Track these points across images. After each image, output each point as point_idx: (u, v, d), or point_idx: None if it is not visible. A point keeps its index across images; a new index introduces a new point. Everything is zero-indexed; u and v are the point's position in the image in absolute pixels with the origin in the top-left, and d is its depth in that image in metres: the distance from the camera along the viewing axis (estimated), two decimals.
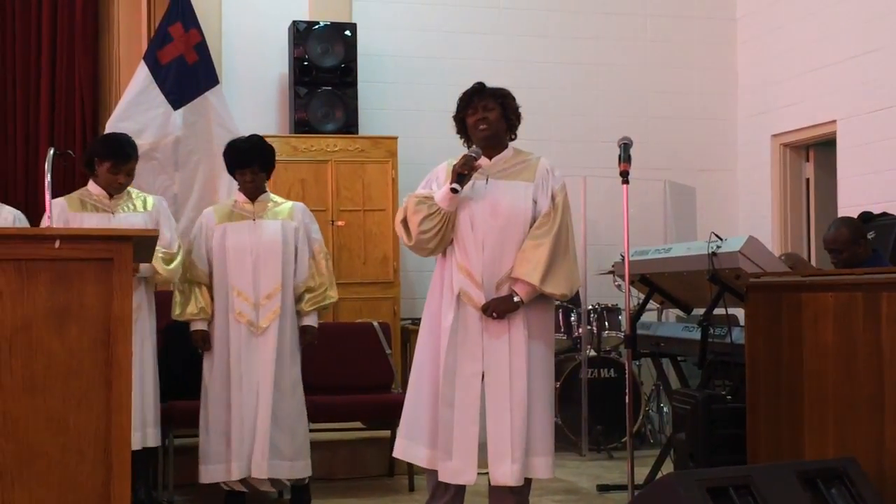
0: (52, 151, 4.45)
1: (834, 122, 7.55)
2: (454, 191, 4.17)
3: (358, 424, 6.26)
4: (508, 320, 4.22)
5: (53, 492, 3.17)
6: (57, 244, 3.26)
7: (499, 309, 4.19)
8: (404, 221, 4.31)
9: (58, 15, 7.60)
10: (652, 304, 6.10)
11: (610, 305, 7.34)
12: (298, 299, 5.39)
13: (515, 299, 4.20)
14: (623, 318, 6.63)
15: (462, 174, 4.16)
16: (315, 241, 5.45)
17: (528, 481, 4.31)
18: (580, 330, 7.21)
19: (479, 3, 8.12)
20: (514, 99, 4.45)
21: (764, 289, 4.60)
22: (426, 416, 4.30)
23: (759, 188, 8.37)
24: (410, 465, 5.39)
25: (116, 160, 5.25)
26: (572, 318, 7.32)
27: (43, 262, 3.22)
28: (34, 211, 5.78)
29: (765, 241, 5.84)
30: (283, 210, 5.45)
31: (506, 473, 4.16)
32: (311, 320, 5.44)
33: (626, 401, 5.43)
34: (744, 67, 8.62)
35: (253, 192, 5.39)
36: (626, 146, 5.23)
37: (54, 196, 4.86)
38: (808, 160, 8.27)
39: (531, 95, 7.91)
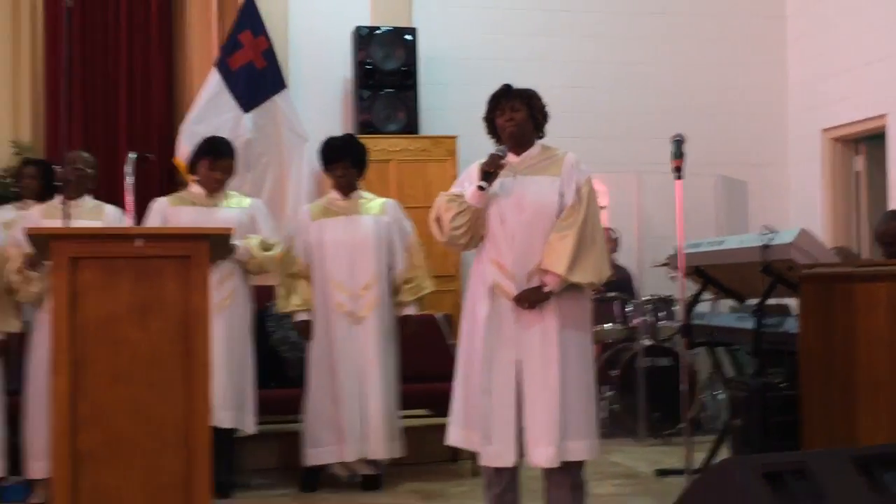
0: (132, 155, 4.54)
1: (884, 115, 7.46)
2: (481, 188, 4.20)
3: (423, 412, 6.30)
4: (541, 310, 4.23)
5: (139, 475, 3.26)
6: (139, 243, 3.34)
7: (530, 299, 4.20)
8: (437, 219, 4.35)
9: (133, 26, 7.72)
10: (706, 295, 6.07)
11: (665, 297, 7.31)
12: (396, 291, 5.49)
13: (545, 289, 4.20)
14: (678, 309, 6.62)
15: (489, 172, 4.20)
16: (408, 235, 5.52)
17: (579, 464, 4.33)
18: (636, 320, 7.19)
19: (533, 6, 8.12)
20: (540, 99, 4.44)
21: (816, 279, 4.55)
22: (470, 404, 4.35)
23: (810, 182, 8.30)
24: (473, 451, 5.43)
25: (213, 157, 5.46)
26: (628, 309, 7.31)
27: (126, 260, 3.31)
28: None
29: (817, 234, 5.80)
30: (375, 206, 5.54)
31: (541, 456, 4.17)
32: (411, 310, 5.56)
33: (682, 388, 5.45)
34: (793, 63, 8.55)
35: (345, 187, 5.51)
36: (678, 143, 5.24)
37: (137, 196, 5.01)
38: (858, 154, 8.17)
39: (585, 95, 8.02)
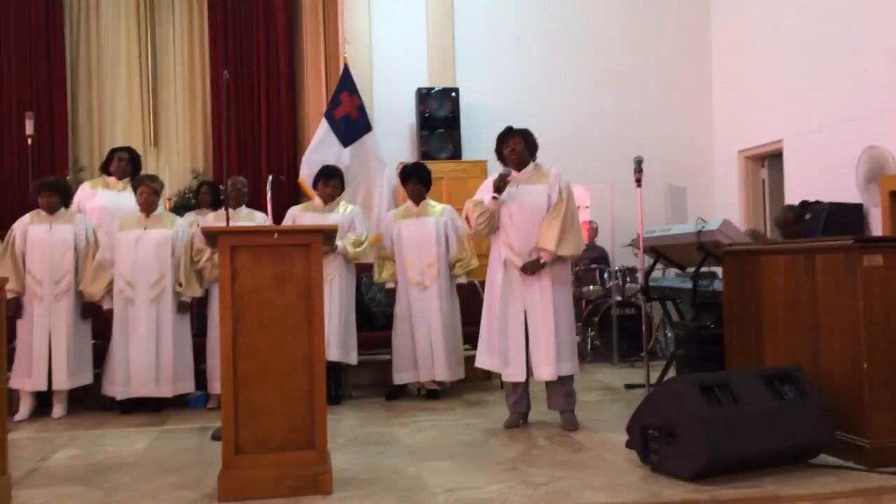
0: (270, 178, 4.58)
1: (780, 140, 7.32)
2: (495, 198, 4.38)
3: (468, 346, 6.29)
4: (539, 275, 4.36)
5: (278, 391, 3.28)
6: (275, 236, 3.37)
7: (531, 268, 4.35)
8: (466, 218, 4.53)
9: (269, 89, 7.78)
10: (658, 266, 6.02)
11: (630, 267, 7.24)
12: (452, 267, 5.50)
13: (541, 261, 4.34)
14: (639, 275, 6.55)
15: (500, 187, 4.36)
16: (459, 228, 5.52)
17: (570, 377, 4.42)
18: (610, 283, 7.14)
19: (540, 71, 8.05)
20: (532, 134, 4.56)
21: (735, 254, 4.50)
22: (493, 339, 4.46)
23: (730, 187, 8.14)
24: None
25: (326, 177, 5.52)
26: (605, 275, 7.25)
27: (267, 247, 3.33)
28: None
29: (735, 223, 5.74)
30: (437, 210, 5.56)
31: (544, 373, 4.33)
32: (463, 280, 5.58)
33: (643, 329, 5.48)
34: (717, 104, 8.37)
35: (416, 197, 5.52)
36: (639, 162, 5.27)
37: (274, 205, 5.08)
38: (763, 167, 8.01)
39: (576, 128, 7.93)
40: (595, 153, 7.87)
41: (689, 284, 5.27)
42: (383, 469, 3.62)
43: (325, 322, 3.41)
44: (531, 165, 4.49)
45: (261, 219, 5.47)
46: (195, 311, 5.45)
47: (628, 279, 7.20)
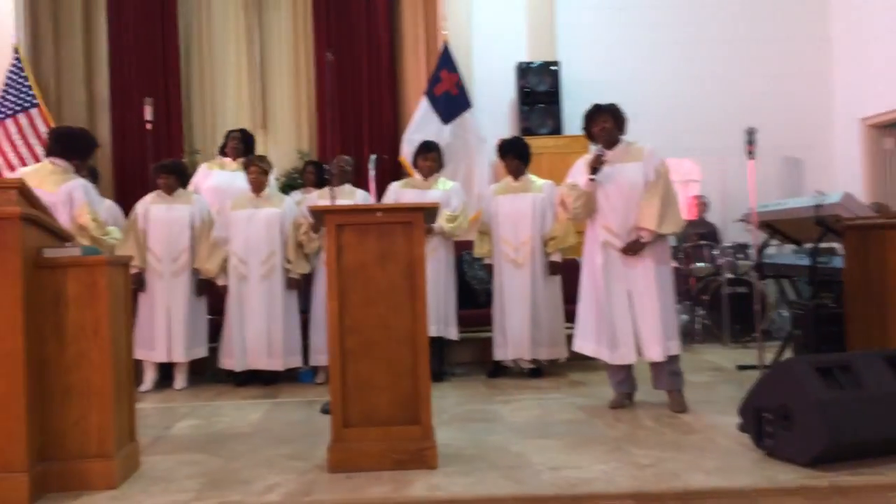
0: (373, 157, 4.66)
1: None
2: (592, 180, 4.27)
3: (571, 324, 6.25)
4: (640, 255, 4.26)
5: (382, 365, 3.35)
6: (379, 214, 3.43)
7: (632, 248, 4.26)
8: (562, 203, 4.44)
9: (370, 70, 7.88)
10: (773, 242, 5.77)
11: (742, 243, 6.98)
12: (546, 244, 5.42)
13: (642, 241, 4.25)
14: (752, 251, 6.34)
15: (595, 168, 4.25)
16: (557, 206, 5.48)
17: (676, 356, 4.32)
18: (721, 260, 6.91)
19: (638, 41, 7.81)
20: (620, 110, 4.42)
21: (857, 228, 4.26)
22: (592, 323, 4.37)
23: (852, 158, 7.69)
24: None
25: (425, 151, 5.54)
26: (714, 252, 7.02)
27: (372, 226, 3.38)
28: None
29: (857, 196, 5.41)
30: (537, 186, 5.50)
31: (654, 353, 4.24)
32: (557, 258, 5.47)
33: (756, 308, 5.31)
34: (837, 70, 7.89)
35: (515, 172, 5.49)
36: (750, 133, 5.06)
37: (377, 182, 5.15)
38: (888, 136, 7.52)
39: (682, 100, 7.67)
40: (704, 125, 7.60)
41: (806, 261, 5.02)
42: (487, 446, 3.65)
43: (426, 299, 3.44)
44: (622, 143, 4.38)
45: (361, 196, 5.56)
46: (300, 288, 5.63)
47: (740, 256, 6.94)
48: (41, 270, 3.13)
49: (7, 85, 6.88)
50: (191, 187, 5.89)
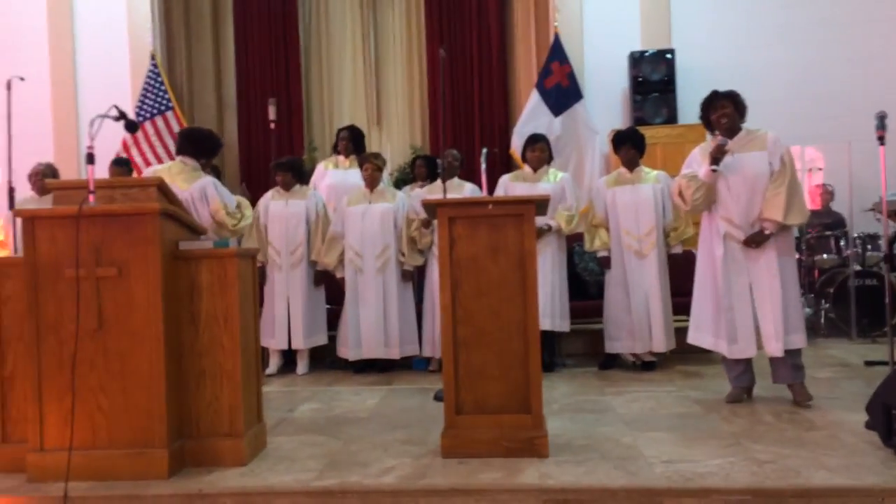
0: (484, 150, 4.69)
1: None
2: (714, 170, 4.10)
3: (684, 317, 6.09)
4: (763, 246, 4.09)
5: (495, 355, 3.38)
6: (490, 207, 3.46)
7: (756, 240, 4.09)
8: (680, 194, 4.27)
9: (482, 64, 7.95)
10: None
11: (871, 234, 6.58)
12: (667, 235, 5.34)
13: (766, 232, 4.07)
14: (882, 242, 5.97)
15: (718, 158, 4.08)
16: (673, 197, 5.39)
17: (798, 350, 4.14)
18: (848, 251, 6.54)
19: (756, 26, 7.48)
20: (740, 96, 4.23)
21: None
22: (709, 316, 4.24)
23: None
24: None
25: (531, 143, 5.54)
26: (842, 243, 6.66)
27: (483, 218, 3.41)
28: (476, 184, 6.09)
29: None
30: (651, 177, 5.40)
31: (773, 348, 4.08)
32: (678, 249, 5.39)
33: (887, 301, 5.01)
34: None
35: (630, 163, 5.41)
36: (881, 117, 4.76)
37: (489, 178, 5.17)
38: None
39: (803, 86, 7.29)
40: (829, 110, 7.20)
41: None
42: (598, 437, 3.63)
43: (537, 291, 3.45)
44: (743, 131, 4.20)
45: (469, 189, 5.61)
46: (413, 280, 5.75)
47: (869, 247, 6.55)
48: (177, 261, 3.35)
49: (145, 90, 7.36)
50: (311, 186, 6.14)
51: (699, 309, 4.33)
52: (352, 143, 6.34)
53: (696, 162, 4.24)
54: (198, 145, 4.70)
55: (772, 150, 4.10)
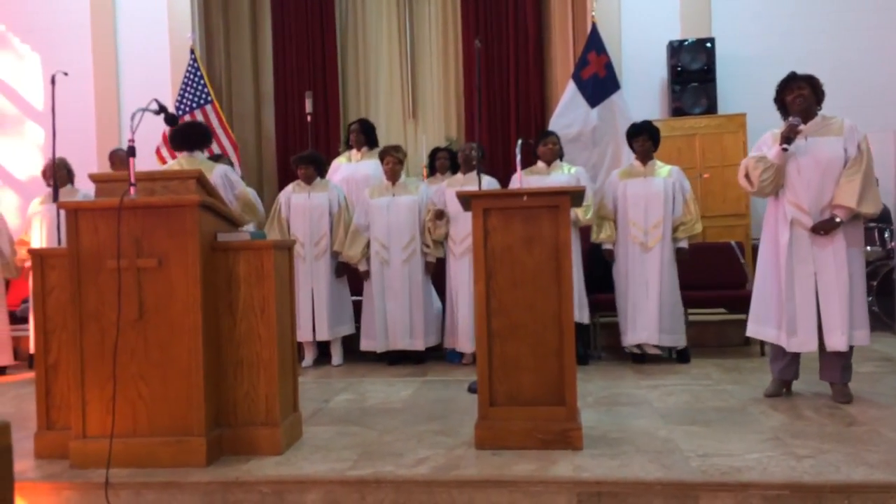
0: (520, 141, 4.68)
1: None
2: (785, 150, 3.96)
3: (722, 310, 6.03)
4: (831, 235, 3.94)
5: (529, 346, 3.37)
6: (524, 198, 3.44)
7: (825, 227, 3.94)
8: (746, 176, 4.13)
9: (518, 55, 7.91)
10: None
11: None
12: (675, 230, 5.27)
13: (837, 220, 3.92)
14: None
15: (790, 137, 3.95)
16: (686, 191, 5.32)
17: (851, 348, 3.99)
18: (892, 243, 6.38)
19: (799, 15, 7.32)
20: (818, 81, 4.10)
21: None
22: (773, 307, 4.09)
23: None
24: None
25: (542, 138, 5.56)
26: (886, 235, 6.50)
27: (517, 210, 3.40)
28: (507, 176, 6.07)
29: None
30: (664, 171, 5.35)
31: (837, 342, 3.93)
32: (684, 244, 5.31)
33: None
34: None
35: (644, 156, 5.36)
36: None
37: (525, 167, 5.16)
38: None
39: (844, 75, 7.10)
40: (874, 99, 7.03)
41: None
42: (633, 430, 3.60)
43: (572, 283, 3.43)
44: (818, 116, 4.08)
45: (487, 182, 5.56)
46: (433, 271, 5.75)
47: None
48: (216, 253, 3.40)
49: (185, 83, 7.46)
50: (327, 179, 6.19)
51: (760, 299, 4.18)
52: (363, 135, 6.41)
53: (766, 145, 4.12)
54: (192, 138, 4.88)
55: (848, 137, 3.98)
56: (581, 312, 5.39)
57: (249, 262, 3.41)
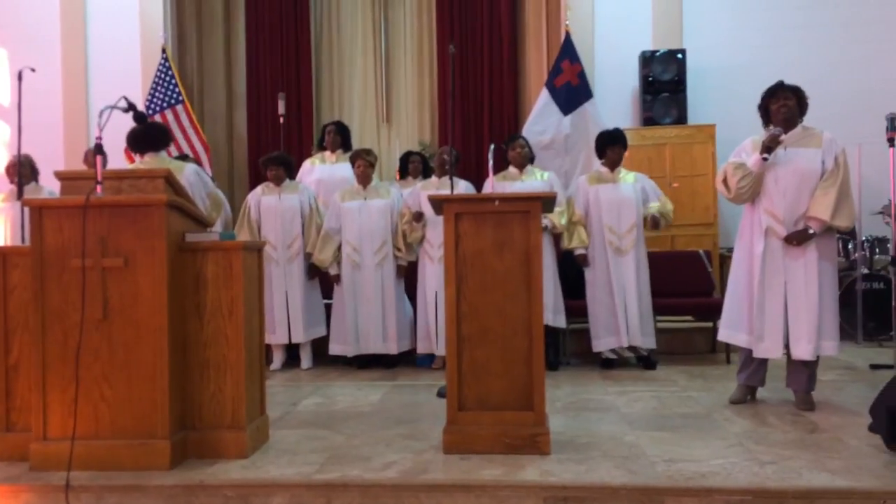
0: (492, 146, 4.69)
1: None
2: (765, 159, 4.01)
3: (689, 318, 6.09)
4: (804, 247, 4.00)
5: (498, 351, 3.36)
6: (496, 203, 3.45)
7: (798, 238, 3.99)
8: (724, 181, 4.17)
9: (492, 62, 7.94)
10: None
11: (879, 237, 6.55)
12: (656, 224, 5.35)
13: (811, 231, 3.98)
14: (890, 246, 5.93)
15: (770, 147, 4.00)
16: (656, 188, 5.49)
17: (817, 358, 4.06)
18: (856, 254, 6.50)
19: (767, 28, 7.44)
20: (804, 92, 4.16)
21: None
22: (744, 313, 4.15)
23: None
24: (727, 345, 5.18)
25: (511, 142, 5.58)
26: (850, 246, 6.62)
27: (489, 214, 3.39)
28: (480, 182, 6.08)
29: None
30: (630, 177, 5.43)
31: (803, 351, 4.00)
32: (656, 214, 5.39)
33: (893, 304, 5.00)
34: None
35: (614, 164, 5.41)
36: (892, 119, 4.72)
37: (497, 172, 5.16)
38: None
39: (812, 88, 7.22)
40: (839, 112, 7.12)
41: None
42: (601, 435, 3.62)
43: (542, 288, 3.44)
44: (799, 127, 4.13)
45: (463, 187, 5.55)
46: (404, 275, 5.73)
47: (877, 250, 6.52)
48: (183, 253, 3.36)
49: (155, 83, 7.37)
50: (297, 180, 6.13)
51: (732, 305, 4.23)
52: (339, 136, 6.37)
53: (746, 152, 4.16)
54: (155, 138, 4.84)
55: (827, 149, 4.03)
56: (556, 317, 5.41)
57: (218, 262, 3.37)
